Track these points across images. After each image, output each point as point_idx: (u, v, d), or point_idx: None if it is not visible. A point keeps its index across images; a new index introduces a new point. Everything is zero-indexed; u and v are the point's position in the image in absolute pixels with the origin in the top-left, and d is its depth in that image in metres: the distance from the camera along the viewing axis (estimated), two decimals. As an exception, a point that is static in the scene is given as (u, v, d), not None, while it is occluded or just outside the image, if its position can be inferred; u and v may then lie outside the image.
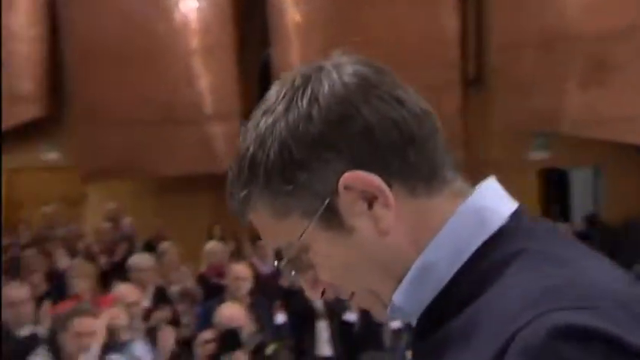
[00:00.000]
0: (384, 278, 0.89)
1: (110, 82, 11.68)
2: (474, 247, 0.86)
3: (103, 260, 8.89)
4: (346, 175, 0.82)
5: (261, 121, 0.87)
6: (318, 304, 6.22)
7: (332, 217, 0.84)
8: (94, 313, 4.36)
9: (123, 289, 5.07)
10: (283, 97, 0.87)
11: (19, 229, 11.57)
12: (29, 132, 12.95)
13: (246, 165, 0.86)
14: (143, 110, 11.54)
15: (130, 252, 9.28)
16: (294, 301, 6.18)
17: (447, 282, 0.86)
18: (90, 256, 8.96)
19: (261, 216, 0.89)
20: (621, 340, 0.67)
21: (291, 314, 6.14)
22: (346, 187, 0.82)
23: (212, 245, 7.41)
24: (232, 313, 4.23)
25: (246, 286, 5.60)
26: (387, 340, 6.68)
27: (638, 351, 0.67)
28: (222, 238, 9.42)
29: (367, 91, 0.86)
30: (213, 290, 6.84)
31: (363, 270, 0.89)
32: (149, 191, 12.65)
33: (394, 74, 0.91)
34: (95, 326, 4.18)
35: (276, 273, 6.71)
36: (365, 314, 6.58)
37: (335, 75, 0.87)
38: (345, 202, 0.83)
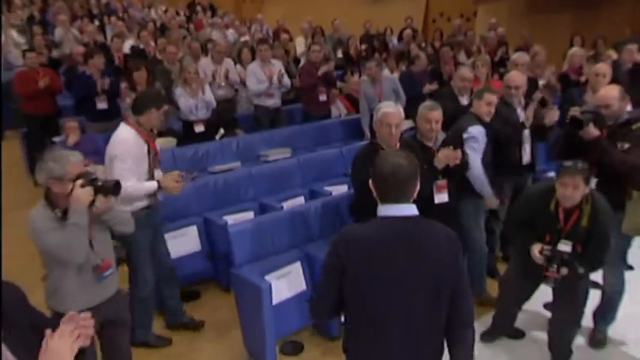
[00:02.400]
0: None
1: None
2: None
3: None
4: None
5: None
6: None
7: None
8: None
9: (513, 74, 4.52)
10: None
11: (434, 36, 11.27)
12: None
13: None
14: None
15: (504, 53, 8.70)
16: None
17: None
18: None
19: None
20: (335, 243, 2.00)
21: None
22: None
23: (574, 49, 6.42)
24: (606, 92, 3.56)
25: (606, 80, 4.67)
26: None
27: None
28: (582, 46, 8.13)
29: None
30: (570, 84, 6.08)
31: None
32: (522, 10, 11.37)
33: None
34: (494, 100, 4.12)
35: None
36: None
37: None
38: None
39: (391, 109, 3.40)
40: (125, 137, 3.44)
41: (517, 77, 4.43)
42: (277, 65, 6.49)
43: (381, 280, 1.89)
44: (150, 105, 3.49)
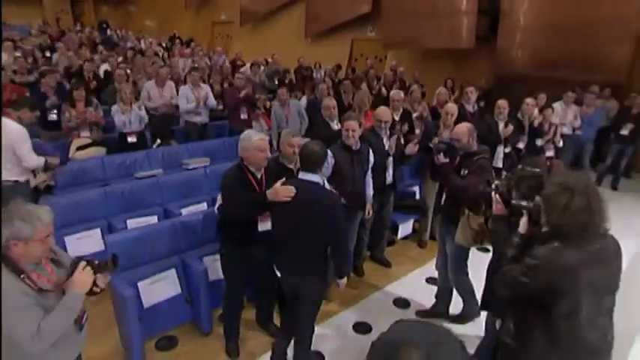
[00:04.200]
0: None
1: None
2: None
3: (384, 91, 7.60)
4: None
5: None
6: (501, 135, 4.62)
7: None
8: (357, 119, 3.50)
9: (381, 110, 3.81)
10: None
11: (354, 70, 10.70)
12: (362, 20, 11.76)
13: None
14: (420, 5, 9.42)
15: (399, 88, 8.09)
16: (484, 130, 4.46)
17: None
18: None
19: None
20: None
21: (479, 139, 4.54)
22: None
23: (439, 89, 5.84)
24: (457, 129, 3.13)
25: (453, 118, 4.16)
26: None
27: None
28: (451, 88, 7.64)
29: None
30: (436, 116, 5.41)
31: None
32: (418, 56, 10.79)
33: None
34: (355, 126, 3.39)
35: (477, 111, 5.21)
36: (529, 144, 4.84)
37: None
38: None
39: (295, 137, 2.95)
40: (18, 125, 3.44)
41: (384, 113, 3.78)
42: (205, 88, 5.65)
43: (290, 212, 2.37)
44: (24, 106, 3.60)
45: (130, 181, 4.13)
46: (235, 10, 14.90)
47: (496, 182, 2.35)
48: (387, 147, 3.80)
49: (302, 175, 2.44)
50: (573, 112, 5.91)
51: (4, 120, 3.34)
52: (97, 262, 1.74)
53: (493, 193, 2.28)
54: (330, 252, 2.45)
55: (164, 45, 12.81)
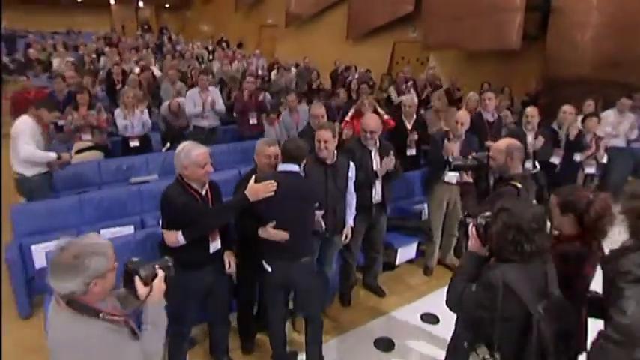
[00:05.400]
0: None
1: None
2: None
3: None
4: None
5: None
6: (529, 149, 3.85)
7: None
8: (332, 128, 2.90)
9: (367, 119, 3.26)
10: None
11: (394, 74, 9.90)
12: (404, 22, 11.00)
13: None
14: (463, 7, 8.57)
15: (430, 93, 7.36)
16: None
17: None
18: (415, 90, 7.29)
19: None
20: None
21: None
22: None
23: (470, 95, 5.04)
24: (495, 145, 2.61)
25: (463, 128, 3.51)
26: (579, 180, 4.18)
27: None
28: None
29: None
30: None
31: None
32: (461, 58, 9.86)
33: None
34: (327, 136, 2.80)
35: (498, 120, 4.40)
36: (565, 160, 4.02)
37: None
38: None
39: (271, 147, 2.62)
40: (25, 120, 3.56)
41: (372, 122, 3.20)
42: (213, 92, 5.39)
43: (278, 201, 2.32)
44: (43, 107, 3.67)
45: (112, 189, 3.95)
46: (281, 13, 14.88)
47: (486, 214, 1.81)
48: (375, 165, 3.22)
49: (282, 167, 2.42)
50: (629, 121, 4.88)
51: (23, 117, 3.60)
52: (157, 265, 1.55)
53: (470, 227, 1.79)
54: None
55: (209, 48, 13.01)
